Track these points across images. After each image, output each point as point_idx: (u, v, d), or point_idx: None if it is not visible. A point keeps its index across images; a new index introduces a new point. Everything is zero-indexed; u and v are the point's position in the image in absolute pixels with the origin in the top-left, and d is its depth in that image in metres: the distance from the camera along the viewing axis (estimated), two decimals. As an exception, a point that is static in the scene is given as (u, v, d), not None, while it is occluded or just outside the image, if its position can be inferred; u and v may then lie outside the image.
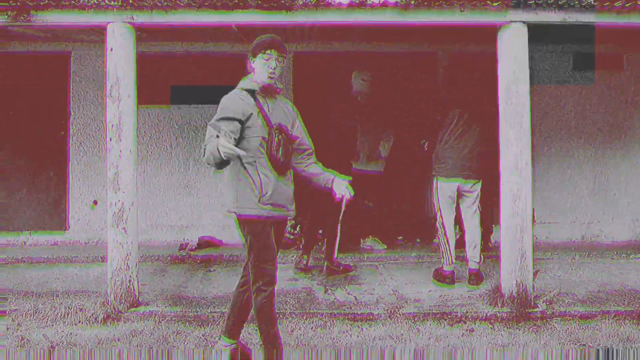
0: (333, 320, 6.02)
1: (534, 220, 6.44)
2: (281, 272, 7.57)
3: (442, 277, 7.21)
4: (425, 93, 8.95)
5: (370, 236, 8.90)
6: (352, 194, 4.71)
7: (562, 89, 9.42)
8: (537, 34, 6.64)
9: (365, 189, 7.90)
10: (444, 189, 7.17)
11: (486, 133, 7.22)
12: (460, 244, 7.42)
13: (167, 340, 5.55)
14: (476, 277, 7.16)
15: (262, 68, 4.67)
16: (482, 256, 7.38)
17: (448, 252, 7.18)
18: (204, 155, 4.39)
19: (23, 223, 9.25)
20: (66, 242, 9.19)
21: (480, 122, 7.21)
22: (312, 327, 5.83)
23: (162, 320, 6.07)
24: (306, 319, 6.04)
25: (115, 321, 6.06)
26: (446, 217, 7.19)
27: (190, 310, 6.27)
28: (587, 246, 9.07)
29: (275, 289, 4.68)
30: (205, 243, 8.93)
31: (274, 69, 4.67)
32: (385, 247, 8.82)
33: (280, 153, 4.59)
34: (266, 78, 4.67)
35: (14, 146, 9.22)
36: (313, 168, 4.89)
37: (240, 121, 4.53)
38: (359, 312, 6.19)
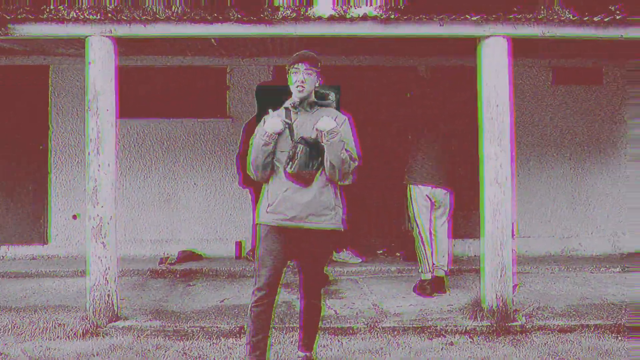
0: (313, 334, 6.00)
1: (514, 234, 6.47)
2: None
3: (421, 289, 7.29)
4: (402, 106, 8.99)
5: (344, 249, 8.88)
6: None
7: (542, 102, 9.49)
8: (519, 47, 6.71)
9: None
10: (418, 197, 7.33)
11: (455, 146, 7.50)
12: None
13: (147, 355, 5.50)
14: (442, 285, 7.32)
15: (293, 83, 4.74)
16: (449, 266, 7.50)
17: (426, 259, 7.30)
18: (251, 165, 4.72)
19: (2, 236, 9.17)
20: (46, 255, 9.14)
21: (447, 136, 7.46)
22: (291, 342, 5.80)
23: (142, 334, 6.03)
24: (286, 333, 6.02)
25: (95, 336, 6.01)
26: (424, 224, 7.33)
27: (170, 324, 6.22)
28: (567, 259, 9.12)
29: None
30: (186, 257, 8.88)
31: (302, 82, 4.69)
32: (360, 260, 8.79)
33: (293, 164, 4.57)
34: (296, 92, 4.74)
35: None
36: None
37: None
38: (339, 326, 6.17)
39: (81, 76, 8.56)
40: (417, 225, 7.35)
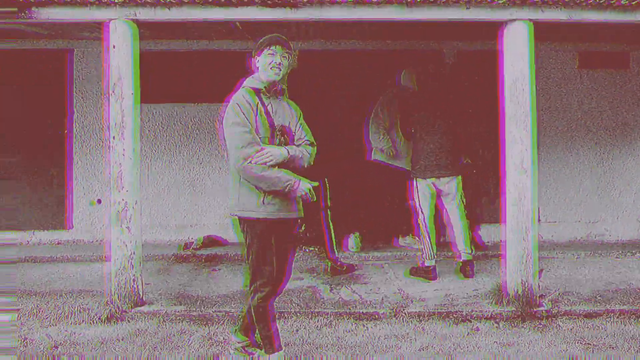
0: (338, 320, 5.99)
1: (538, 220, 6.40)
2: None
3: (423, 272, 7.35)
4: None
5: (409, 234, 8.80)
6: (311, 198, 4.56)
7: (568, 87, 9.36)
8: (544, 31, 6.61)
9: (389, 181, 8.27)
10: (421, 188, 7.41)
11: (459, 131, 7.57)
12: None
13: (172, 340, 5.52)
14: (470, 268, 7.38)
15: (268, 64, 4.60)
16: (472, 247, 7.52)
17: (429, 247, 7.35)
18: (252, 176, 4.47)
19: (26, 222, 9.21)
20: (69, 241, 9.19)
21: (450, 121, 7.48)
22: (317, 326, 5.81)
23: (166, 319, 6.06)
24: (311, 318, 6.01)
25: (119, 320, 6.03)
26: (426, 213, 7.40)
27: (194, 309, 6.24)
28: (592, 245, 9.02)
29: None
30: (210, 242, 8.90)
31: (279, 64, 4.60)
32: (360, 247, 8.66)
33: None
34: (272, 74, 4.61)
35: (16, 145, 9.17)
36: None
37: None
38: (364, 311, 6.15)
39: (104, 61, 8.56)
40: (421, 213, 7.41)
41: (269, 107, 4.63)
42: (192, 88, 9.19)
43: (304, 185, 4.43)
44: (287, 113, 4.75)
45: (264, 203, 4.52)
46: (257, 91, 4.64)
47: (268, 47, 4.62)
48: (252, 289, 4.61)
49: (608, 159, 9.41)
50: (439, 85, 8.13)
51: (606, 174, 9.41)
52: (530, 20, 6.25)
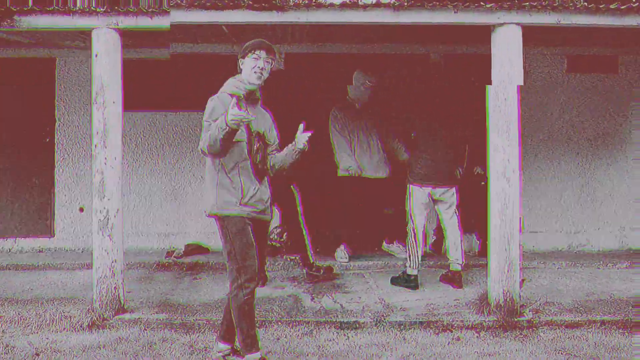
0: (319, 328, 5.99)
1: (520, 229, 6.41)
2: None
3: (404, 281, 7.34)
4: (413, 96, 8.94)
5: (394, 241, 8.80)
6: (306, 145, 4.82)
7: (551, 94, 9.39)
8: (532, 36, 6.61)
9: (373, 194, 8.32)
10: (416, 195, 7.36)
11: (457, 140, 7.52)
12: (437, 249, 8.07)
13: (153, 347, 5.50)
14: (459, 279, 7.34)
15: (251, 68, 4.73)
16: (464, 259, 7.47)
17: (416, 256, 7.29)
18: (205, 148, 4.53)
19: (8, 229, 9.18)
20: (52, 248, 9.13)
21: (450, 130, 7.44)
22: (298, 335, 5.80)
23: (148, 327, 6.05)
24: (292, 326, 6.01)
25: (101, 328, 6.02)
26: (418, 222, 7.34)
27: (176, 316, 6.23)
28: (574, 255, 9.05)
29: (261, 295, 4.69)
30: (192, 250, 8.87)
31: (262, 69, 4.74)
32: (349, 257, 8.55)
33: (258, 159, 4.81)
34: (255, 78, 4.75)
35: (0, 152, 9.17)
36: (278, 153, 5.00)
37: None
38: (346, 320, 6.15)
39: (87, 69, 8.54)
40: (412, 221, 7.36)
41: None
42: (174, 95, 9.15)
43: (230, 115, 4.28)
44: (262, 119, 4.95)
45: (240, 204, 4.70)
46: (238, 97, 4.65)
47: (252, 51, 4.74)
48: (236, 286, 4.69)
49: (590, 169, 9.46)
50: (437, 91, 8.13)
51: (588, 184, 9.45)
52: (519, 24, 6.27)
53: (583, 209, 9.44)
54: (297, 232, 7.66)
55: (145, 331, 5.94)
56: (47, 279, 7.79)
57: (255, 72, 4.72)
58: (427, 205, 7.39)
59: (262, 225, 4.97)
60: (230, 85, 4.82)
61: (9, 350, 5.40)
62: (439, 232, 8.55)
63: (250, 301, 4.68)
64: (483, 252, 8.19)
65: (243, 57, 4.79)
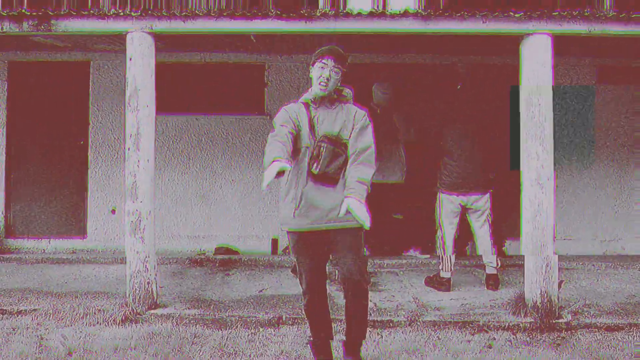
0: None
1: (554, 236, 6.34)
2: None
3: (437, 283, 7.29)
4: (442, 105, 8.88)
5: (410, 249, 8.90)
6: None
7: (585, 102, 9.27)
8: (563, 46, 6.56)
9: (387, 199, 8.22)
10: (446, 203, 7.29)
11: (489, 148, 7.43)
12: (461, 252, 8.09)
13: (185, 343, 5.52)
14: (494, 281, 7.28)
15: (317, 78, 4.52)
16: (498, 261, 7.38)
17: (448, 259, 7.25)
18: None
19: (43, 229, 9.31)
20: (85, 249, 9.22)
21: (481, 137, 7.37)
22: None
23: (181, 322, 6.11)
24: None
25: (134, 323, 6.12)
26: (447, 230, 7.29)
27: (208, 312, 6.31)
28: (612, 257, 8.94)
29: (295, 292, 4.68)
30: (222, 252, 8.95)
31: (327, 79, 4.48)
32: (427, 256, 8.71)
33: (318, 164, 4.44)
34: (318, 89, 4.53)
35: (34, 154, 9.29)
36: (352, 174, 4.43)
37: (292, 129, 4.43)
38: (379, 319, 6.12)
39: (121, 72, 8.62)
40: (441, 229, 7.32)
41: (314, 119, 4.55)
42: (204, 99, 9.23)
43: (270, 170, 3.97)
44: (338, 120, 4.58)
45: (294, 216, 4.53)
46: (305, 104, 4.61)
47: (320, 59, 4.52)
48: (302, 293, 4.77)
49: (624, 176, 9.31)
50: (466, 99, 8.12)
51: (624, 192, 9.30)
52: (550, 33, 6.21)
53: (618, 216, 9.30)
54: None
55: (177, 326, 6.01)
56: (82, 273, 7.97)
57: (320, 82, 4.49)
58: (457, 213, 7.30)
59: (323, 235, 4.55)
60: (306, 94, 4.66)
61: (42, 350, 5.40)
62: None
63: (309, 309, 4.74)
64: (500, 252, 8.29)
65: (312, 65, 4.56)
